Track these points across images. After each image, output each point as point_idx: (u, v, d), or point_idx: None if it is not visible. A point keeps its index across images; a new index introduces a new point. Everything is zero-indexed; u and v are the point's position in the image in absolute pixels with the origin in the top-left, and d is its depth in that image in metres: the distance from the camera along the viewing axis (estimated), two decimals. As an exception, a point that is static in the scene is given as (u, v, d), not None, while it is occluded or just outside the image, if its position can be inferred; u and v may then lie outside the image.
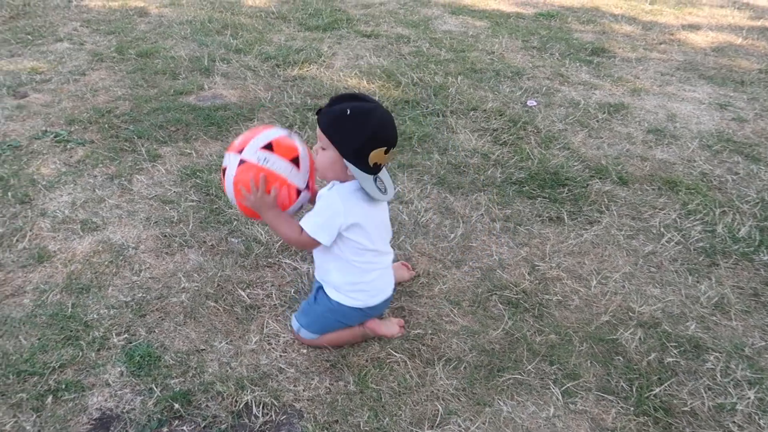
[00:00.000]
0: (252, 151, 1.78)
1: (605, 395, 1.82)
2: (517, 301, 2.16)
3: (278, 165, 1.77)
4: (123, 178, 2.76)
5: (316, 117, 1.75)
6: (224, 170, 1.84)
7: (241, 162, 1.78)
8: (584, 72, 4.13)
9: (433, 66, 4.08)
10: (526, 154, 3.04)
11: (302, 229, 1.75)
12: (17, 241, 2.35)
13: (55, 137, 3.06)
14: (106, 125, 3.19)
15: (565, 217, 2.60)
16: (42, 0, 5.22)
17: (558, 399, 1.80)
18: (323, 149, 1.73)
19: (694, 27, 5.15)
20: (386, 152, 1.69)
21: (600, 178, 2.89)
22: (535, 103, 3.61)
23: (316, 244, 1.76)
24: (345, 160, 1.69)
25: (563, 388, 1.83)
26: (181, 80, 3.77)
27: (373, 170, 1.71)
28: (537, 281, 2.25)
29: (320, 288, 1.93)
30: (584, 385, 1.85)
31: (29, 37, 4.39)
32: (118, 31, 4.56)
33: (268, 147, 1.78)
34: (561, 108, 3.58)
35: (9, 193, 2.60)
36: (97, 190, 2.67)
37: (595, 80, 4.00)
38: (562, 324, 2.06)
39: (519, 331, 2.03)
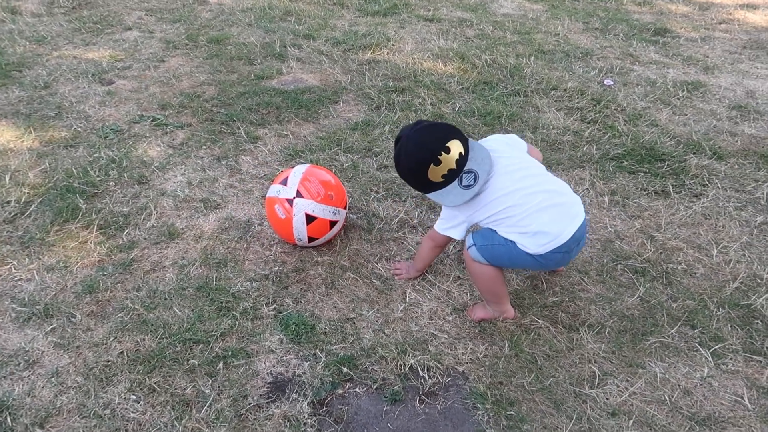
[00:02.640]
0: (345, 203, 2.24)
1: (753, 356, 1.87)
2: (643, 270, 2.20)
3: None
4: (230, 159, 2.81)
5: None
6: (334, 222, 2.20)
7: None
8: (652, 52, 4.15)
9: (502, 48, 4.11)
10: (617, 131, 3.07)
11: (434, 231, 1.94)
12: (144, 219, 2.42)
13: (152, 121, 3.12)
14: (199, 109, 3.25)
15: (671, 191, 2.64)
16: (101, -10, 5.26)
17: (709, 360, 1.85)
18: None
19: (751, 6, 5.15)
20: (437, 164, 1.71)
21: (694, 152, 2.93)
22: (612, 83, 3.64)
23: (448, 239, 1.95)
24: (429, 196, 1.82)
25: (711, 350, 1.88)
26: (258, 65, 3.82)
27: (449, 178, 1.75)
28: (658, 251, 2.30)
29: None
30: (731, 347, 1.89)
31: (98, 26, 4.45)
32: (183, 19, 4.61)
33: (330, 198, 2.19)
34: (639, 87, 3.61)
35: (125, 174, 2.67)
36: (207, 171, 2.73)
37: (666, 59, 4.02)
38: (695, 291, 2.11)
39: (653, 297, 2.08)
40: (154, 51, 4.02)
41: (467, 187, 1.75)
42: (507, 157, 1.82)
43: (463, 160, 1.74)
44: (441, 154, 1.71)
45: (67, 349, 1.85)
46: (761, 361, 1.85)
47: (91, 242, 2.28)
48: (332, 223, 2.18)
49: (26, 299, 2.03)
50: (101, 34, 4.30)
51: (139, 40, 4.20)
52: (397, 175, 2.01)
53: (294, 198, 2.12)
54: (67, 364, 1.80)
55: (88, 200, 2.50)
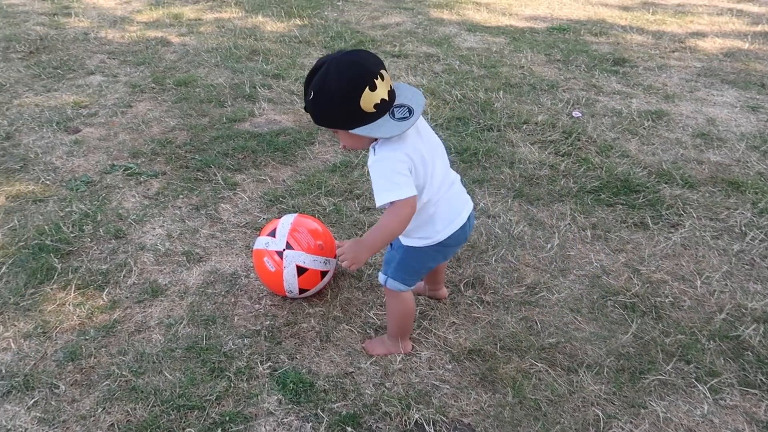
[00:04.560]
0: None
1: (749, 389, 1.90)
2: (633, 305, 2.23)
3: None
4: (209, 208, 2.75)
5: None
6: (325, 272, 2.16)
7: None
8: (614, 82, 4.28)
9: (471, 82, 4.18)
10: (591, 164, 3.14)
11: (393, 205, 1.59)
12: (125, 276, 2.33)
13: (125, 170, 3.04)
14: (173, 156, 3.18)
15: (649, 222, 2.70)
16: (59, 33, 5.16)
17: (707, 396, 1.87)
18: (335, 133, 1.65)
19: (700, 35, 5.39)
20: (372, 88, 1.49)
21: (666, 182, 3.01)
22: (580, 114, 3.73)
23: (410, 203, 1.58)
24: (353, 131, 1.55)
25: (708, 385, 1.90)
26: (229, 107, 3.78)
27: (381, 109, 1.53)
28: (645, 285, 2.33)
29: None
30: (726, 381, 1.92)
31: (59, 71, 4.34)
32: (148, 62, 4.54)
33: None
34: (606, 117, 3.71)
35: (101, 229, 2.58)
36: (187, 221, 2.66)
37: (628, 89, 4.16)
38: (685, 324, 2.14)
39: (646, 333, 2.10)
40: (120, 96, 3.93)
41: (402, 119, 1.53)
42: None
43: (392, 93, 1.55)
44: (377, 78, 1.49)
45: (53, 425, 1.75)
46: (757, 394, 1.88)
47: (69, 304, 2.19)
48: (323, 273, 2.15)
49: (3, 371, 1.92)
50: (63, 79, 4.20)
51: (104, 84, 4.11)
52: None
53: (284, 250, 2.08)
54: (55, 441, 1.70)
55: (63, 259, 2.40)
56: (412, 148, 1.59)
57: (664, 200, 2.85)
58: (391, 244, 1.88)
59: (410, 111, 1.55)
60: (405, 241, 1.82)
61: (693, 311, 2.21)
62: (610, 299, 2.27)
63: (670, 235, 2.63)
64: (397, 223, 1.61)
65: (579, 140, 3.40)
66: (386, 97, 1.53)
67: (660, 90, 4.14)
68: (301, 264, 2.08)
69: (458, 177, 1.84)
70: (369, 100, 1.50)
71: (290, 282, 2.09)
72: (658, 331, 2.12)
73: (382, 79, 1.52)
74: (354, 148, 1.77)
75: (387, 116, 1.54)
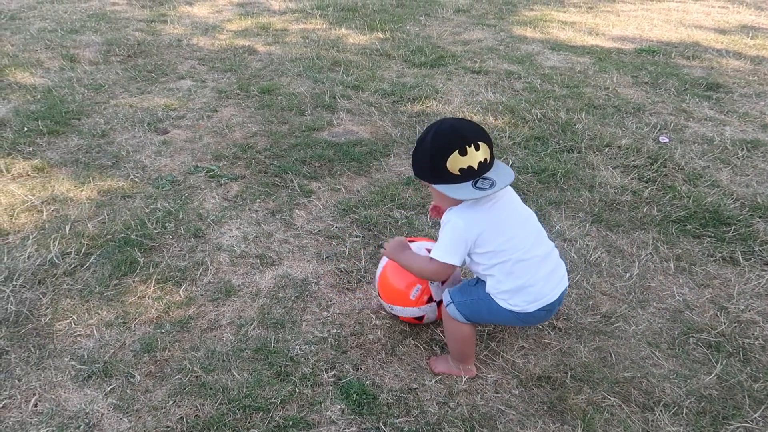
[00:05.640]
0: (439, 292, 2.01)
1: None
2: (718, 345, 2.10)
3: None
4: (284, 213, 2.81)
5: None
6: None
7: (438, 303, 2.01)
8: (706, 108, 4.08)
9: (552, 102, 4.09)
10: (678, 192, 2.99)
11: (433, 261, 1.76)
12: (201, 275, 2.41)
13: (207, 172, 3.15)
14: (252, 161, 3.27)
15: (740, 258, 2.54)
16: (155, 39, 5.44)
17: (799, 450, 1.73)
18: (427, 186, 1.76)
19: (804, 61, 5.06)
20: (462, 153, 1.61)
21: (761, 217, 2.82)
22: (667, 140, 3.57)
23: (449, 268, 1.76)
24: (436, 187, 1.69)
25: (801, 439, 1.76)
26: (309, 116, 3.86)
27: (465, 176, 1.64)
28: (732, 324, 2.19)
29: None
30: (822, 436, 1.77)
31: (152, 75, 4.57)
32: (234, 69, 4.71)
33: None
34: (695, 144, 3.53)
35: (182, 227, 2.68)
36: (262, 225, 2.72)
37: (721, 116, 3.95)
38: (776, 370, 1.99)
39: (732, 376, 1.97)
40: (207, 100, 4.10)
41: (480, 189, 1.64)
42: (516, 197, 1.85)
43: (485, 166, 1.66)
44: (470, 146, 1.62)
45: (127, 413, 1.82)
46: None
47: (148, 297, 2.28)
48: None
49: (86, 356, 2.02)
50: (156, 82, 4.42)
51: (192, 89, 4.30)
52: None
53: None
54: (127, 429, 1.77)
55: (145, 253, 2.51)
56: (480, 218, 1.71)
57: (758, 235, 2.67)
58: (477, 280, 1.87)
59: (492, 184, 1.65)
60: (493, 295, 1.79)
61: (786, 357, 2.06)
62: (692, 336, 2.14)
63: (764, 273, 2.46)
64: (426, 272, 1.85)
65: (665, 167, 3.25)
66: (475, 167, 1.64)
67: (757, 118, 3.91)
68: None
69: (555, 249, 1.86)
70: (455, 162, 1.62)
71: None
72: (746, 374, 1.98)
73: (477, 149, 1.63)
74: (441, 206, 1.85)
75: (469, 183, 1.65)
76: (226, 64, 4.82)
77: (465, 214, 1.71)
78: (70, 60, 4.84)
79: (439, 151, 1.64)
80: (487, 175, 1.67)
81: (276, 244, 2.60)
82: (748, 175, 3.20)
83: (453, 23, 6.22)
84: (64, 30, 5.66)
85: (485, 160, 1.66)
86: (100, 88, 4.26)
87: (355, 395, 1.87)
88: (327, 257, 2.52)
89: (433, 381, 1.94)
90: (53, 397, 1.87)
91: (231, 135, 3.59)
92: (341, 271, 2.44)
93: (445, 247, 1.73)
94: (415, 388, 1.91)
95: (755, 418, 1.82)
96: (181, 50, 5.20)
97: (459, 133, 1.64)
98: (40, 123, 3.63)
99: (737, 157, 3.38)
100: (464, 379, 1.94)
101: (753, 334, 2.15)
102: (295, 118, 3.83)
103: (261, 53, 5.15)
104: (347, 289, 2.36)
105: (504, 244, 1.72)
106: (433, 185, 1.71)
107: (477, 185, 1.65)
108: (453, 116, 1.78)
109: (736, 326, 2.18)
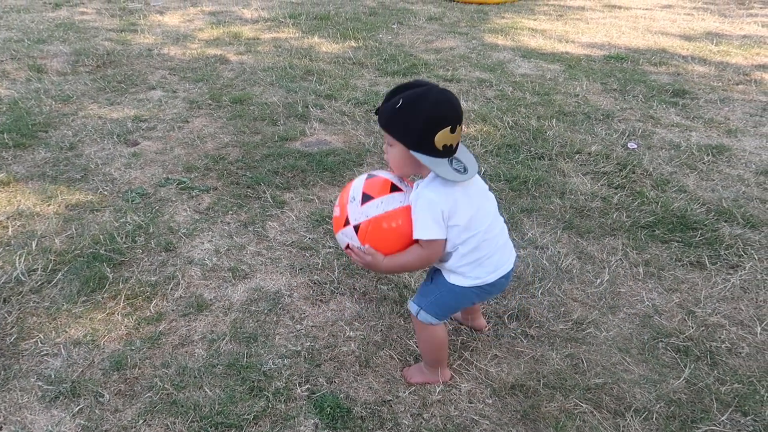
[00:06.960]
0: (357, 213, 1.74)
1: (812, 448, 1.78)
2: (686, 349, 2.13)
3: (386, 203, 1.73)
4: (256, 225, 2.79)
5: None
6: (348, 246, 1.80)
7: (357, 228, 1.74)
8: (673, 114, 4.17)
9: (523, 109, 4.13)
10: (646, 198, 3.04)
11: (428, 243, 1.69)
12: (172, 289, 2.38)
13: (178, 184, 3.11)
14: (224, 172, 3.25)
15: (707, 262, 2.59)
16: (125, 49, 5.38)
17: (765, 452, 1.76)
18: (390, 146, 1.70)
19: (766, 67, 5.19)
20: (452, 131, 1.59)
21: (726, 221, 2.89)
22: (636, 146, 3.64)
23: (438, 244, 1.70)
24: (412, 152, 1.62)
25: (767, 441, 1.79)
26: (281, 126, 3.85)
27: (445, 153, 1.62)
28: (700, 328, 2.23)
29: (437, 270, 1.84)
30: (787, 438, 1.81)
31: (122, 85, 4.52)
32: (206, 79, 4.68)
33: (366, 198, 1.74)
34: (663, 150, 3.60)
35: (152, 241, 2.64)
36: (234, 237, 2.70)
37: (687, 122, 4.03)
38: (742, 373, 2.03)
39: (700, 380, 2.00)
40: (178, 111, 4.06)
41: (457, 171, 1.63)
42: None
43: (458, 147, 1.67)
44: (460, 125, 1.61)
45: (95, 433, 1.78)
46: (821, 454, 1.76)
47: (118, 314, 2.24)
48: (347, 247, 1.82)
49: (53, 376, 1.97)
50: (125, 93, 4.37)
51: (163, 99, 4.25)
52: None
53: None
54: (96, 450, 1.73)
55: (115, 269, 2.47)
56: (450, 191, 1.66)
57: (724, 240, 2.73)
58: (432, 278, 1.87)
59: (465, 169, 1.65)
60: (451, 278, 1.80)
61: (752, 359, 2.10)
62: (661, 341, 2.17)
63: (729, 276, 2.51)
64: (421, 261, 1.75)
65: (634, 173, 3.31)
66: (454, 146, 1.64)
67: (722, 124, 4.00)
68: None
69: (505, 227, 1.88)
70: (443, 138, 1.59)
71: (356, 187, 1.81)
72: (713, 378, 2.01)
73: (459, 130, 1.62)
74: (395, 168, 1.76)
75: (446, 161, 1.63)
76: (198, 74, 4.78)
77: (437, 188, 1.66)
78: (37, 71, 4.76)
79: (435, 121, 1.57)
80: (458, 156, 1.67)
81: (248, 256, 2.58)
82: (714, 180, 3.28)
83: (425, 31, 6.27)
84: (31, 40, 5.56)
85: (459, 141, 1.66)
86: (68, 100, 4.19)
87: (329, 409, 1.86)
88: (300, 269, 2.51)
89: (407, 392, 1.94)
90: (19, 419, 1.82)
91: (202, 146, 3.56)
92: (314, 283, 2.43)
93: (425, 221, 1.66)
94: (389, 400, 1.91)
95: (722, 420, 1.86)
96: (151, 60, 5.14)
97: (456, 110, 1.61)
98: (5, 136, 3.55)
99: (703, 163, 3.46)
100: (437, 390, 1.94)
101: (720, 337, 2.19)
102: (267, 128, 3.82)
103: (233, 62, 5.12)
104: (321, 301, 2.35)
105: (472, 219, 1.71)
106: (412, 151, 1.63)
107: (453, 166, 1.63)
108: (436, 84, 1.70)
109: (703, 330, 2.22)
